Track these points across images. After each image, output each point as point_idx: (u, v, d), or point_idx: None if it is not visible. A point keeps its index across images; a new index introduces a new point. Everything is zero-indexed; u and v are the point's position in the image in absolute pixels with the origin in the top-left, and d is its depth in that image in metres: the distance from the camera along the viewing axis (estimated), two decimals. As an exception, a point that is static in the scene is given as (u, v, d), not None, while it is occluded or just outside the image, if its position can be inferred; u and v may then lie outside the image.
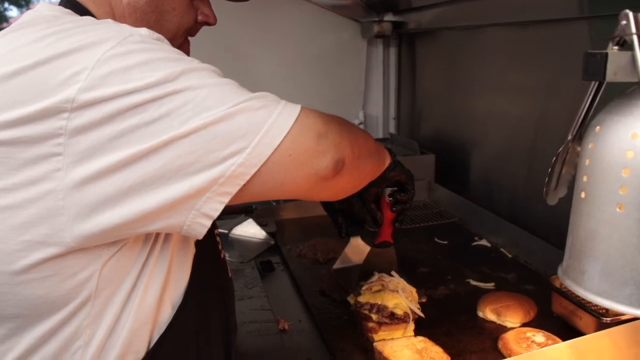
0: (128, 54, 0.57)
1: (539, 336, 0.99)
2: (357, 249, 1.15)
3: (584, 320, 1.00)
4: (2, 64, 0.58)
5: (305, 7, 2.23)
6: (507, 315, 1.09)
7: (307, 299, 1.21)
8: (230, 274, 0.87)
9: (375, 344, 1.00)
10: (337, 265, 1.23)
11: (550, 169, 0.65)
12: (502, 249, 1.48)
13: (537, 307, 1.12)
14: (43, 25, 0.61)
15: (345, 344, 1.04)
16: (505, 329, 1.06)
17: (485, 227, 1.59)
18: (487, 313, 1.11)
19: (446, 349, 0.97)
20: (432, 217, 1.75)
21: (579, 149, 0.60)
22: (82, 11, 0.72)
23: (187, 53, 0.85)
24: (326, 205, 1.02)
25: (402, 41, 2.30)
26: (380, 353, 0.97)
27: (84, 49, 0.57)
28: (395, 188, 0.97)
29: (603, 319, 0.94)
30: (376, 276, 1.12)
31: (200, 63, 0.62)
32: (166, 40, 0.65)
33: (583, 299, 0.95)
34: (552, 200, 0.67)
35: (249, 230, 1.60)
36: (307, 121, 0.64)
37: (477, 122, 1.80)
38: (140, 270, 0.65)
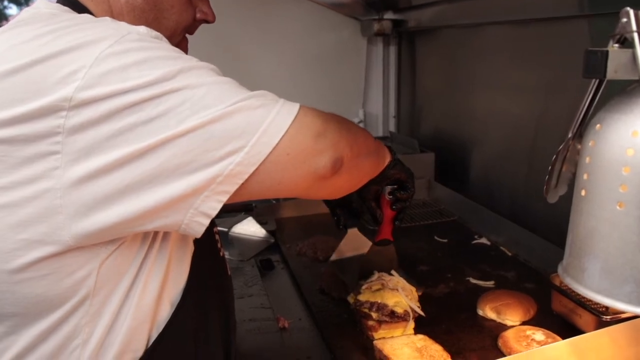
0: (126, 52, 0.57)
1: (538, 334, 0.99)
2: (355, 241, 1.15)
3: (583, 318, 1.00)
4: (0, 62, 0.57)
5: (305, 5, 2.22)
6: (507, 314, 1.09)
7: (307, 297, 1.21)
8: (229, 272, 0.87)
9: (375, 342, 1.00)
10: (334, 257, 1.23)
11: (550, 167, 0.65)
12: (502, 247, 1.48)
13: (537, 305, 1.12)
14: (41, 23, 0.61)
15: (345, 342, 1.04)
16: (505, 327, 1.06)
17: (485, 225, 1.59)
18: (487, 311, 1.11)
19: (446, 347, 0.98)
20: (432, 216, 1.75)
21: (579, 146, 0.60)
22: (80, 9, 0.72)
23: (185, 51, 0.85)
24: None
25: (402, 39, 2.29)
26: (380, 351, 0.97)
27: (82, 47, 0.56)
28: (395, 186, 0.97)
29: (603, 317, 0.94)
30: (376, 275, 1.12)
31: (199, 61, 0.62)
32: (164, 38, 0.65)
33: (583, 297, 0.95)
34: (552, 199, 0.67)
35: (249, 228, 1.60)
36: (306, 120, 0.63)
37: (477, 121, 1.80)
38: (138, 268, 0.64)
